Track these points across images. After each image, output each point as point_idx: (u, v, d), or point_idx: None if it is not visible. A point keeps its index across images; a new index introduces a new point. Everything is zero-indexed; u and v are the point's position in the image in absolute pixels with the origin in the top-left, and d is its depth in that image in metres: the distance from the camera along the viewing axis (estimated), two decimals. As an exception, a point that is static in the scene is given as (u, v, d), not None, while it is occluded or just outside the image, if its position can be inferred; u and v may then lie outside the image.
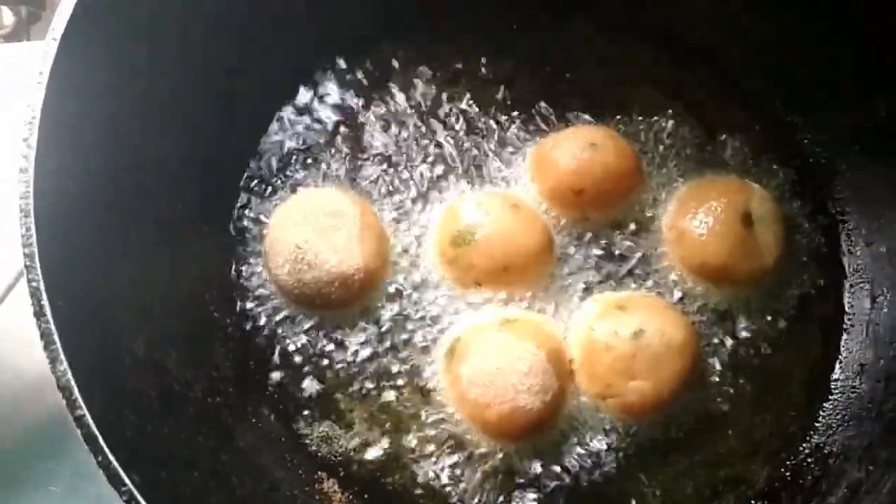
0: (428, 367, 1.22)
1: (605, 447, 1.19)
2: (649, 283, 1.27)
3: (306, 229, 1.19)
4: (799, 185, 1.34)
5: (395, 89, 1.36)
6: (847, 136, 1.32)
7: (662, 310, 1.20)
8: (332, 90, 1.36)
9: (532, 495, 1.17)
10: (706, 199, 1.26)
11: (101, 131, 1.01)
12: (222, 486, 1.04)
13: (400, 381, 1.21)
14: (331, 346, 1.22)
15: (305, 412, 1.21)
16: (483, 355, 1.15)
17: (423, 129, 1.34)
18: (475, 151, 1.33)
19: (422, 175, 1.31)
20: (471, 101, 1.36)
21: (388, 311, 1.23)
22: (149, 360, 1.05)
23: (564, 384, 1.17)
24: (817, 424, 1.25)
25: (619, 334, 1.16)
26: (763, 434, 1.23)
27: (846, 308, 1.30)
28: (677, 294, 1.26)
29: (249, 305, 1.24)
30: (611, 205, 1.28)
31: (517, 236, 1.21)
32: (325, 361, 1.22)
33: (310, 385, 1.22)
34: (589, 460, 1.18)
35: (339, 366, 1.22)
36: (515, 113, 1.35)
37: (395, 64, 1.38)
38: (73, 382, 0.85)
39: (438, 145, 1.33)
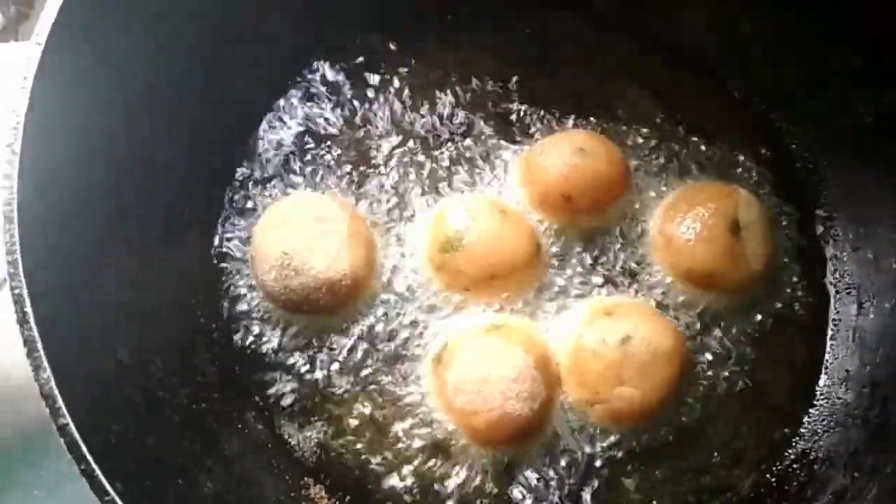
0: (416, 374, 1.21)
1: (592, 453, 1.19)
2: (637, 289, 1.27)
3: (293, 235, 1.18)
4: (786, 190, 1.35)
5: (382, 92, 1.36)
6: (834, 140, 1.33)
7: (650, 316, 1.21)
8: (320, 93, 1.36)
9: (521, 501, 1.17)
10: (694, 204, 1.26)
11: (85, 137, 1.00)
12: (207, 495, 1.04)
13: (387, 388, 1.21)
14: (318, 352, 1.22)
15: (292, 418, 1.21)
16: (470, 362, 1.15)
17: (411, 133, 1.34)
18: (464, 156, 1.33)
19: (410, 180, 1.31)
20: (459, 105, 1.36)
21: (375, 317, 1.23)
22: (134, 366, 1.04)
23: (552, 390, 1.17)
24: (803, 430, 1.25)
25: (607, 341, 1.16)
26: (749, 440, 1.24)
27: (832, 314, 1.31)
28: (665, 300, 1.26)
29: (236, 311, 1.24)
30: (599, 210, 1.28)
31: (505, 242, 1.21)
32: (312, 367, 1.22)
33: (296, 391, 1.21)
34: (576, 467, 1.18)
35: (327, 371, 1.21)
36: (503, 117, 1.35)
37: (382, 67, 1.38)
38: (56, 391, 0.85)
39: (427, 149, 1.33)
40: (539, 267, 1.25)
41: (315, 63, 1.37)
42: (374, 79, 1.37)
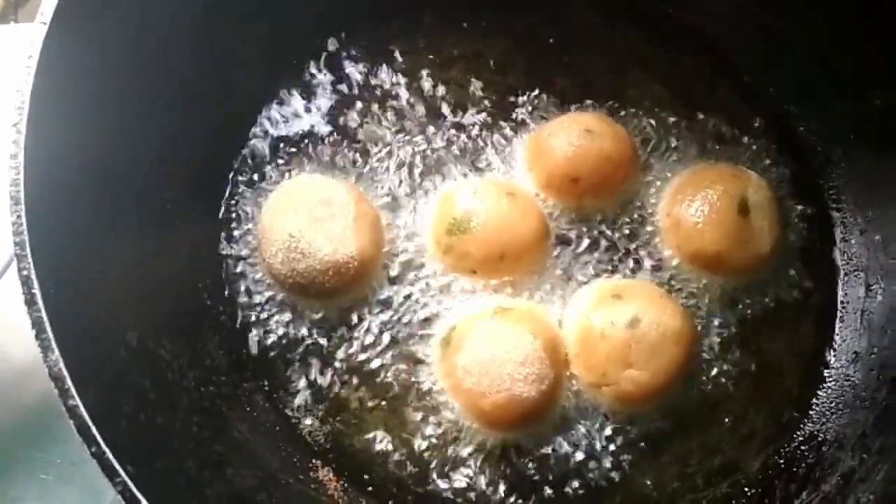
0: (423, 356, 1.21)
1: (600, 436, 1.19)
2: (645, 271, 1.27)
3: (299, 217, 1.17)
4: (794, 173, 1.34)
5: (389, 75, 1.35)
6: (843, 125, 1.32)
7: (658, 298, 1.20)
8: (325, 76, 1.35)
9: (527, 483, 1.17)
10: (702, 186, 1.25)
11: (91, 117, 0.99)
12: (217, 476, 1.04)
13: (395, 370, 1.21)
14: (325, 335, 1.22)
15: (300, 400, 1.20)
16: (478, 344, 1.15)
17: (419, 115, 1.33)
18: (471, 139, 1.32)
19: (417, 162, 1.30)
20: (466, 88, 1.35)
21: (382, 300, 1.23)
22: (142, 349, 1.04)
23: (560, 373, 1.17)
24: (811, 412, 1.25)
25: (615, 323, 1.16)
26: (757, 422, 1.24)
27: (840, 297, 1.31)
28: (673, 282, 1.26)
29: (243, 294, 1.23)
30: (607, 192, 1.28)
31: (513, 224, 1.21)
32: (320, 350, 1.21)
33: (304, 373, 1.21)
34: (584, 449, 1.18)
35: (334, 354, 1.21)
36: (511, 99, 1.34)
37: (390, 49, 1.37)
38: (65, 372, 0.84)
39: (434, 132, 1.32)
40: (546, 249, 1.25)
41: (321, 48, 1.36)
42: (381, 64, 1.36)
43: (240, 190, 1.28)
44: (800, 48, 1.32)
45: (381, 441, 1.19)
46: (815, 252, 1.31)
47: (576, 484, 1.18)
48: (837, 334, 1.29)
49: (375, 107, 1.33)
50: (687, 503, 1.19)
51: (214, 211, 1.26)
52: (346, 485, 1.18)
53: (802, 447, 1.23)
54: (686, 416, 1.21)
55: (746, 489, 1.21)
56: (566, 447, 1.18)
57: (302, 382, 1.21)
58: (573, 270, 1.25)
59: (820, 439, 1.23)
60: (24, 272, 0.86)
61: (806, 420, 1.25)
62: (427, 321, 1.22)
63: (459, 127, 1.32)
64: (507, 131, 1.32)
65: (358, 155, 1.30)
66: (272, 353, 1.21)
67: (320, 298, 1.21)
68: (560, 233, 1.27)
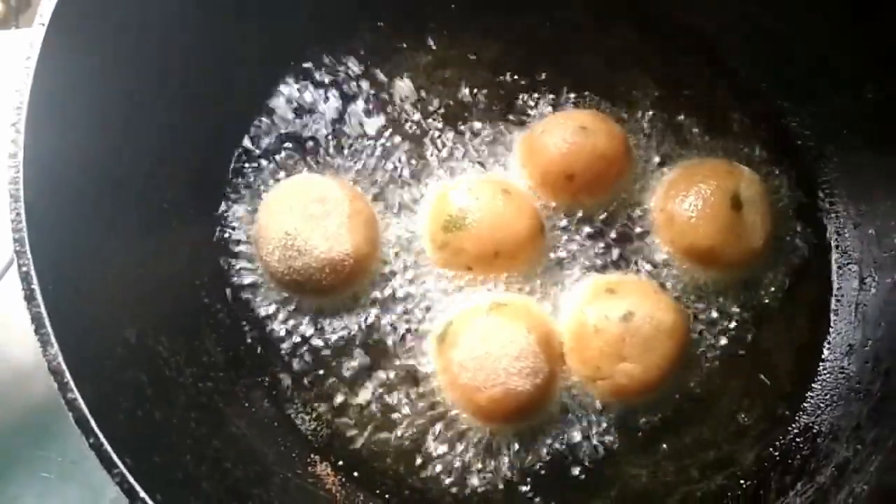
0: (419, 352, 1.22)
1: (594, 429, 1.19)
2: (639, 266, 1.28)
3: (295, 216, 1.19)
4: (787, 167, 1.35)
5: (384, 75, 1.36)
6: (836, 120, 1.32)
7: (652, 293, 1.21)
8: (322, 76, 1.36)
9: (524, 477, 1.18)
10: (695, 181, 1.26)
11: (90, 116, 1.01)
12: (215, 471, 1.05)
13: (391, 366, 1.22)
14: (322, 331, 1.23)
15: (297, 396, 1.22)
16: (473, 339, 1.16)
17: (413, 114, 1.34)
18: (466, 137, 1.33)
19: (413, 161, 1.31)
20: (461, 87, 1.36)
21: (379, 297, 1.24)
22: (140, 345, 1.05)
23: (555, 367, 1.18)
24: (806, 405, 1.26)
25: (609, 317, 1.17)
26: (752, 415, 1.24)
27: (834, 290, 1.31)
28: (667, 277, 1.27)
29: (240, 291, 1.24)
30: (601, 189, 1.29)
31: (508, 221, 1.22)
32: (317, 346, 1.22)
33: (301, 369, 1.22)
34: (579, 442, 1.19)
35: (331, 350, 1.22)
36: (505, 97, 1.35)
37: (388, 49, 1.38)
38: (63, 366, 0.85)
39: (428, 131, 1.33)
40: (541, 245, 1.25)
41: (318, 47, 1.37)
42: (378, 64, 1.37)
43: (238, 188, 1.29)
44: (793, 45, 1.33)
45: (378, 436, 1.20)
46: (809, 246, 1.32)
47: (571, 477, 1.19)
48: (832, 327, 1.30)
49: (372, 106, 1.34)
50: (682, 496, 1.20)
51: (213, 209, 1.27)
52: (343, 479, 1.19)
53: (797, 439, 1.24)
54: (680, 409, 1.22)
55: (741, 481, 1.22)
56: (561, 440, 1.19)
57: (299, 378, 1.22)
58: (567, 266, 1.26)
59: (815, 431, 1.23)
60: (24, 268, 0.88)
61: (800, 412, 1.26)
62: (423, 317, 1.23)
63: (455, 125, 1.33)
64: (503, 129, 1.33)
65: (354, 153, 1.31)
66: (269, 350, 1.23)
67: (317, 295, 1.22)
68: (554, 229, 1.27)
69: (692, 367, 1.24)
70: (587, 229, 1.28)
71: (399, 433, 1.20)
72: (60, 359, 0.85)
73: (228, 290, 1.24)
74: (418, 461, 1.19)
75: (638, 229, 1.29)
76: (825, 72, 1.31)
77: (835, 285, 1.31)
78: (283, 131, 1.32)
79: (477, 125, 1.33)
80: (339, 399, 1.21)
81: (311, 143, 1.32)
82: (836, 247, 1.33)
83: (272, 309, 1.23)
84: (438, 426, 1.19)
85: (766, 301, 1.28)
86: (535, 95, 1.36)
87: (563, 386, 1.20)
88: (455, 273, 1.24)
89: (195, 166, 1.24)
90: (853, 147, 1.31)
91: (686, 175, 1.29)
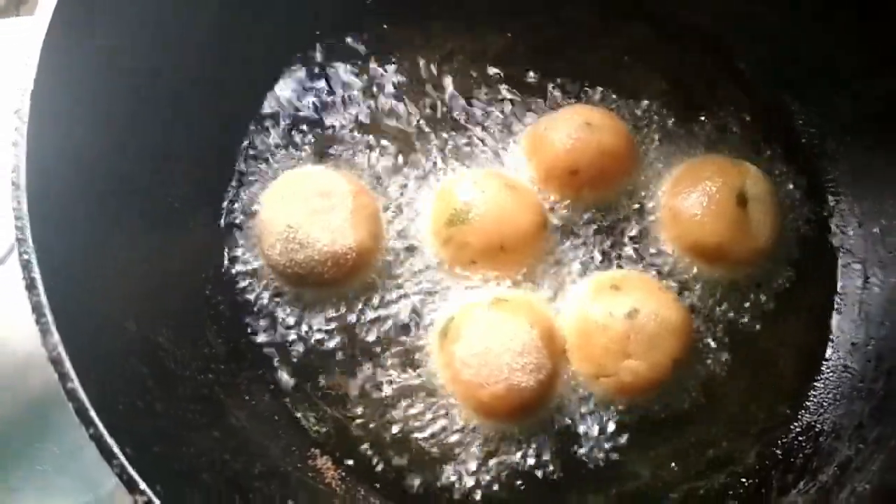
0: (422, 347, 1.22)
1: (597, 426, 1.19)
2: (643, 262, 1.27)
3: (298, 209, 1.18)
4: (792, 165, 1.35)
5: (390, 69, 1.36)
6: (841, 118, 1.32)
7: (656, 290, 1.21)
8: (326, 70, 1.35)
9: (524, 474, 1.18)
10: (701, 178, 1.26)
11: (94, 107, 1.00)
12: (215, 463, 1.04)
13: (393, 360, 1.21)
14: (324, 325, 1.22)
15: (298, 390, 1.21)
16: (476, 334, 1.15)
17: (418, 108, 1.33)
18: (470, 131, 1.32)
19: (417, 156, 1.30)
20: (466, 81, 1.35)
21: (381, 291, 1.23)
22: (141, 336, 1.04)
23: (558, 363, 1.17)
24: (808, 403, 1.26)
25: (614, 314, 1.16)
26: (754, 413, 1.24)
27: (838, 288, 1.31)
28: (671, 274, 1.27)
29: (242, 283, 1.24)
30: (606, 185, 1.28)
31: (512, 216, 1.21)
32: (318, 340, 1.22)
33: (303, 363, 1.21)
34: (581, 439, 1.19)
35: (333, 344, 1.22)
36: (510, 93, 1.35)
37: (392, 45, 1.37)
38: (63, 355, 0.84)
39: (433, 125, 1.32)
40: (545, 240, 1.25)
41: (323, 42, 1.37)
42: (382, 59, 1.36)
43: (241, 181, 1.28)
44: (799, 43, 1.33)
45: (380, 431, 1.19)
46: (813, 244, 1.32)
47: (573, 474, 1.18)
48: (835, 326, 1.29)
49: (375, 101, 1.34)
50: (684, 493, 1.20)
51: (216, 201, 1.26)
52: (343, 473, 1.19)
53: (799, 438, 1.24)
54: (683, 406, 1.21)
55: (743, 479, 1.21)
56: (564, 437, 1.18)
57: (301, 372, 1.21)
58: (571, 262, 1.26)
59: (817, 430, 1.23)
60: (25, 256, 0.87)
61: (803, 411, 1.25)
62: (425, 312, 1.23)
63: (459, 120, 1.33)
64: (507, 125, 1.33)
65: (358, 148, 1.31)
66: (271, 343, 1.22)
67: (319, 289, 1.21)
68: (559, 224, 1.27)
69: (696, 365, 1.23)
70: (591, 225, 1.28)
71: (400, 428, 1.19)
72: (61, 348, 0.84)
73: (231, 283, 1.23)
74: (419, 457, 1.18)
75: (643, 226, 1.29)
76: (831, 70, 1.31)
77: (839, 284, 1.31)
78: (287, 125, 1.31)
79: (482, 121, 1.33)
80: (340, 393, 1.21)
81: (315, 137, 1.31)
82: (841, 245, 1.33)
83: (274, 302, 1.23)
84: (440, 422, 1.19)
85: (770, 299, 1.28)
86: (540, 92, 1.35)
87: (566, 382, 1.19)
88: (459, 267, 1.23)
89: (199, 158, 1.23)
90: (859, 146, 1.31)
91: (692, 172, 1.29)
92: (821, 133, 1.36)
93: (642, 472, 1.20)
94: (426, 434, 1.19)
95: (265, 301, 1.23)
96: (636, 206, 1.29)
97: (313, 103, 1.33)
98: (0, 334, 1.33)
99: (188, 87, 1.19)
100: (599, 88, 1.35)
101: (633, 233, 1.28)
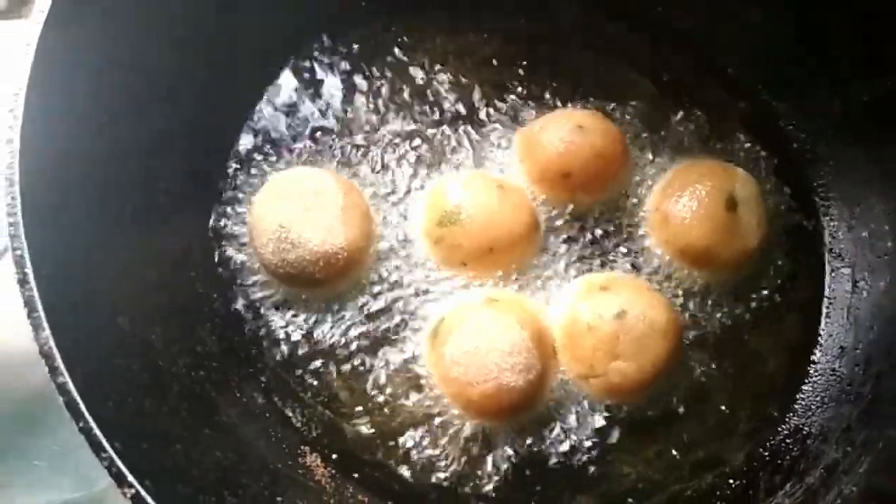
0: (412, 347, 1.22)
1: (586, 427, 1.20)
2: (633, 265, 1.28)
3: (289, 208, 1.19)
4: (781, 169, 1.36)
5: (381, 70, 1.37)
6: (829, 121, 1.33)
7: (645, 291, 1.21)
8: (320, 71, 1.37)
9: (514, 473, 1.18)
10: (690, 182, 1.27)
11: (87, 104, 1.02)
12: (205, 459, 1.05)
13: (384, 360, 1.22)
14: (316, 324, 1.23)
15: (289, 388, 1.22)
16: (466, 334, 1.16)
17: (411, 109, 1.35)
18: (462, 133, 1.33)
19: (409, 156, 1.31)
20: (458, 83, 1.36)
21: (373, 290, 1.24)
22: (133, 333, 1.05)
23: (547, 363, 1.18)
24: (796, 406, 1.26)
25: (603, 315, 1.17)
26: (742, 415, 1.24)
27: (827, 292, 1.32)
28: (661, 276, 1.27)
29: (235, 283, 1.25)
30: (597, 187, 1.29)
31: (503, 217, 1.22)
32: (310, 338, 1.23)
33: (294, 361, 1.22)
34: (570, 439, 1.19)
35: (324, 343, 1.22)
36: (502, 95, 1.36)
37: (386, 46, 1.39)
38: (55, 350, 0.86)
39: (426, 127, 1.34)
40: (536, 242, 1.26)
41: (318, 42, 1.38)
42: (375, 60, 1.38)
43: (235, 180, 1.29)
44: (787, 46, 1.34)
45: (370, 429, 1.20)
46: (802, 248, 1.33)
47: (562, 473, 1.19)
48: (824, 329, 1.30)
49: (369, 101, 1.35)
50: (672, 494, 1.20)
51: (209, 200, 1.28)
52: (333, 471, 1.19)
53: (787, 440, 1.24)
54: (672, 408, 1.22)
55: (731, 480, 1.22)
56: (553, 437, 1.19)
57: (291, 370, 1.22)
58: (562, 263, 1.27)
59: (805, 432, 1.24)
60: (18, 252, 0.88)
61: (791, 414, 1.26)
62: (416, 312, 1.23)
63: (451, 122, 1.34)
64: (500, 126, 1.34)
65: (350, 148, 1.32)
66: (263, 342, 1.23)
67: (311, 288, 1.22)
68: (550, 226, 1.28)
69: (684, 367, 1.24)
70: (582, 227, 1.29)
71: (390, 427, 1.20)
72: (52, 343, 0.86)
73: (223, 281, 1.25)
74: (408, 455, 1.19)
75: (633, 228, 1.30)
76: (819, 73, 1.32)
77: (827, 288, 1.32)
78: (280, 124, 1.33)
79: (474, 122, 1.34)
80: (330, 392, 1.21)
81: (308, 136, 1.32)
82: (830, 249, 1.33)
83: (266, 301, 1.24)
84: (430, 421, 1.19)
85: (759, 302, 1.28)
86: (532, 93, 1.36)
87: (555, 382, 1.20)
88: (450, 268, 1.24)
89: (192, 157, 1.25)
90: (847, 149, 1.32)
91: (682, 175, 1.30)
92: (809, 136, 1.37)
93: (630, 472, 1.20)
94: (416, 432, 1.19)
95: (257, 300, 1.24)
96: (627, 208, 1.30)
97: (306, 104, 1.34)
98: (-2, 332, 1.35)
99: (181, 87, 1.21)
100: (590, 91, 1.36)
101: (624, 235, 1.29)
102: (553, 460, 1.19)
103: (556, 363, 1.20)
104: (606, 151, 1.27)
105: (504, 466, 1.18)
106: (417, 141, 1.33)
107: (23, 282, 0.87)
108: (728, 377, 1.25)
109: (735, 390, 1.25)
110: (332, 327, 1.23)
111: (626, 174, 1.31)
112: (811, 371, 1.28)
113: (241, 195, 1.28)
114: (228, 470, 1.07)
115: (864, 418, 1.17)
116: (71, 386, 0.85)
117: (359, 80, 1.36)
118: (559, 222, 1.28)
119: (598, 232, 1.29)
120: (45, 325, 0.86)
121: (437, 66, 1.37)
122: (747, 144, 1.36)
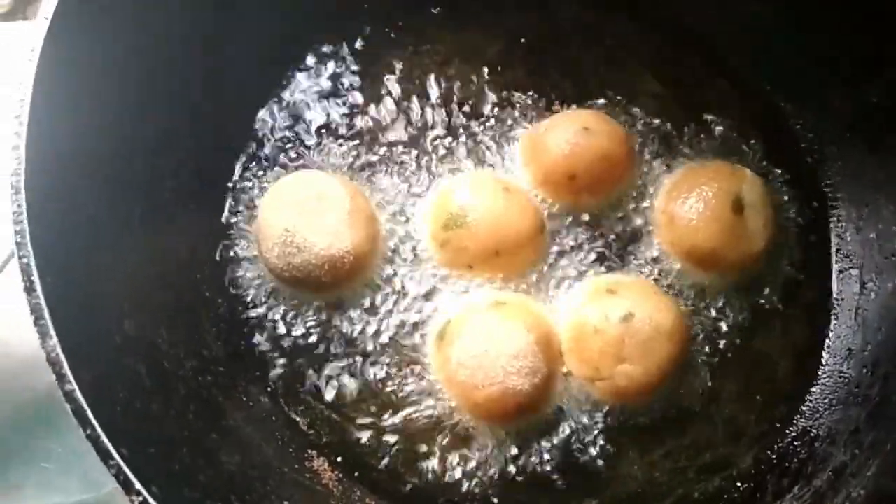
0: (418, 350, 1.22)
1: (593, 430, 1.20)
2: (639, 267, 1.27)
3: (295, 213, 1.19)
4: (789, 170, 1.35)
5: (386, 72, 1.36)
6: (838, 121, 1.32)
7: (652, 294, 1.21)
8: (326, 74, 1.36)
9: (520, 476, 1.18)
10: (697, 183, 1.26)
11: (92, 109, 1.01)
12: (212, 464, 1.05)
13: (390, 363, 1.22)
14: (322, 328, 1.23)
15: (296, 392, 1.22)
16: (472, 337, 1.16)
17: (414, 112, 1.34)
18: (467, 135, 1.33)
19: (414, 159, 1.31)
20: (462, 84, 1.36)
21: (379, 294, 1.24)
22: (139, 337, 1.05)
23: (553, 367, 1.18)
24: (804, 408, 1.26)
25: (609, 318, 1.16)
26: (750, 417, 1.24)
27: (835, 294, 1.31)
28: (667, 279, 1.27)
29: (241, 286, 1.25)
30: (603, 189, 1.29)
31: (509, 219, 1.22)
32: (316, 343, 1.23)
33: (300, 365, 1.22)
34: (577, 442, 1.19)
35: (330, 347, 1.22)
36: (507, 96, 1.35)
37: (390, 48, 1.38)
38: (62, 357, 0.86)
39: (431, 129, 1.33)
40: (542, 244, 1.25)
41: (322, 44, 1.38)
42: (381, 63, 1.37)
43: (241, 184, 1.29)
44: (796, 46, 1.33)
45: (377, 433, 1.20)
46: (810, 249, 1.32)
47: (568, 477, 1.19)
48: (831, 331, 1.29)
49: (374, 104, 1.34)
50: (679, 497, 1.20)
51: (215, 204, 1.27)
52: (340, 475, 1.20)
53: (795, 443, 1.24)
54: (679, 410, 1.22)
55: (738, 483, 1.21)
56: (559, 440, 1.19)
57: (298, 374, 1.22)
58: (568, 266, 1.26)
59: (812, 435, 1.23)
60: (24, 260, 0.88)
61: (799, 416, 1.25)
62: (422, 315, 1.23)
63: (456, 124, 1.33)
64: (505, 128, 1.34)
65: (356, 151, 1.31)
66: (270, 345, 1.23)
67: (317, 292, 1.22)
68: (556, 229, 1.27)
69: (691, 369, 1.23)
70: (588, 229, 1.28)
71: (396, 430, 1.20)
72: (59, 350, 0.86)
73: (229, 285, 1.25)
74: (415, 459, 1.19)
75: (639, 230, 1.29)
76: (828, 73, 1.31)
77: (835, 289, 1.31)
78: (286, 128, 1.33)
79: (479, 123, 1.34)
80: (337, 395, 1.21)
81: (313, 140, 1.32)
82: (838, 251, 1.33)
83: (272, 304, 1.24)
84: (436, 424, 1.19)
85: (767, 304, 1.28)
86: (538, 94, 1.35)
87: (561, 386, 1.19)
88: (455, 271, 1.24)
89: (198, 160, 1.24)
90: (855, 150, 1.31)
91: (688, 177, 1.29)
92: (817, 137, 1.36)
93: (636, 475, 1.20)
94: (423, 436, 1.19)
95: (263, 304, 1.24)
96: (633, 210, 1.30)
97: (311, 108, 1.34)
98: (3, 336, 1.35)
99: (187, 90, 1.21)
100: (596, 92, 1.36)
101: (630, 237, 1.29)
102: (559, 464, 1.19)
103: (562, 366, 1.20)
104: (612, 153, 1.26)
105: (511, 469, 1.18)
106: (422, 143, 1.32)
107: (29, 289, 0.87)
108: (735, 380, 1.25)
109: (742, 393, 1.24)
110: (337, 331, 1.23)
111: (631, 176, 1.31)
112: (819, 373, 1.27)
113: (247, 199, 1.28)
114: (235, 474, 1.07)
115: (872, 420, 1.16)
116: (78, 393, 0.85)
117: (362, 84, 1.36)
118: (564, 224, 1.28)
119: (604, 234, 1.28)
120: (52, 332, 0.86)
121: (441, 70, 1.37)
122: (755, 146, 1.35)
